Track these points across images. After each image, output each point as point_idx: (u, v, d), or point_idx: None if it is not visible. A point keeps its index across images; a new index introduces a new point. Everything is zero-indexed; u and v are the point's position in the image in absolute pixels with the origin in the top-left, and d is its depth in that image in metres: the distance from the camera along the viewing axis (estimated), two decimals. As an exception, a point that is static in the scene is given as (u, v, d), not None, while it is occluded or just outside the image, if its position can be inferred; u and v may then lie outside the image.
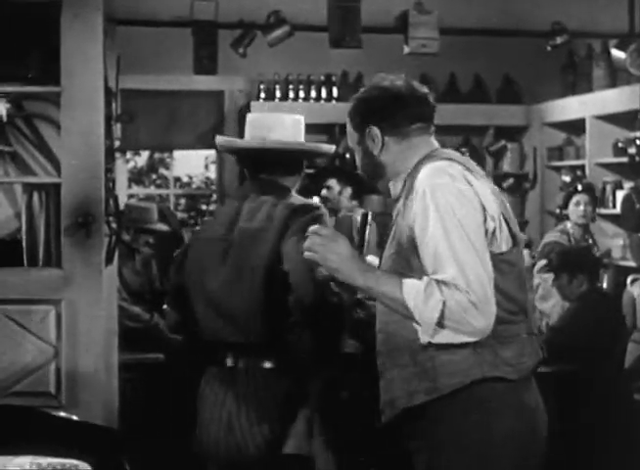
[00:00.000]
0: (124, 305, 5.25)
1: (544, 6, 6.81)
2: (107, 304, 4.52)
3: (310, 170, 6.57)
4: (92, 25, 4.31)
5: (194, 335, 3.52)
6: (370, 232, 2.74)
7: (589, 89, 7.57)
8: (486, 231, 2.57)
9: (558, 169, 8.04)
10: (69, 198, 4.30)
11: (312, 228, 2.64)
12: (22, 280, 4.32)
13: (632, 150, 6.87)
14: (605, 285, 6.31)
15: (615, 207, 7.09)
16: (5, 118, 4.44)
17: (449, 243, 2.51)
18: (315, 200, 6.05)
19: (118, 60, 5.26)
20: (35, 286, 4.31)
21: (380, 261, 2.78)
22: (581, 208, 6.35)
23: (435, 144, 2.78)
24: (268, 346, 3.32)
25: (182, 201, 12.14)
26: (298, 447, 3.29)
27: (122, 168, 7.96)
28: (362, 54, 6.60)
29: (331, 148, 3.59)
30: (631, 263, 6.65)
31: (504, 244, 2.61)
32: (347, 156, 7.51)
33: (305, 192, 3.68)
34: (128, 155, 10.14)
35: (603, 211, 7.01)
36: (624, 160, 7.02)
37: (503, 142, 8.20)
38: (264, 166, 3.46)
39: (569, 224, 6.39)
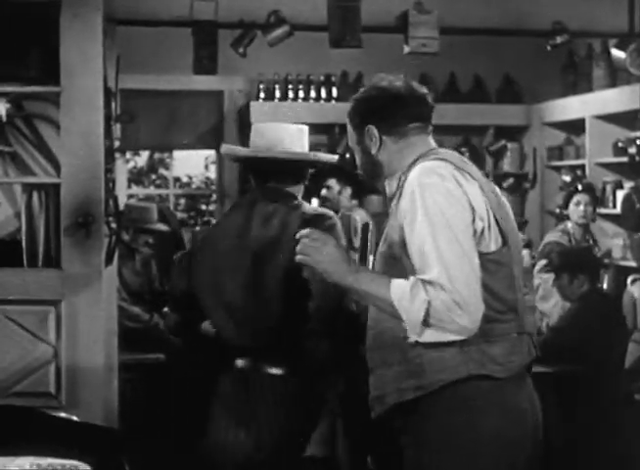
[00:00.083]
0: (124, 305, 5.25)
1: (544, 6, 6.80)
2: (106, 304, 4.52)
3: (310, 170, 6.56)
4: (92, 25, 4.31)
5: (196, 337, 3.53)
6: (371, 237, 2.77)
7: (589, 89, 7.56)
8: (475, 231, 2.59)
9: (558, 169, 8.03)
10: (69, 198, 4.30)
11: (302, 232, 2.69)
12: (21, 280, 4.32)
13: (632, 150, 6.87)
14: (605, 285, 6.31)
15: (615, 207, 7.08)
16: (5, 119, 4.44)
17: (435, 243, 2.54)
18: (314, 202, 6.06)
19: (118, 60, 5.25)
20: (35, 286, 4.31)
21: (374, 260, 2.80)
22: (582, 208, 6.35)
23: (432, 143, 2.81)
24: (284, 351, 3.36)
25: (182, 201, 12.13)
26: (320, 450, 3.31)
27: (122, 169, 7.96)
28: (362, 54, 6.60)
29: (334, 158, 3.68)
30: (632, 263, 6.64)
31: (493, 244, 2.63)
32: (347, 156, 7.50)
33: (305, 192, 3.70)
34: (128, 155, 10.14)
35: (603, 210, 7.00)
36: (624, 159, 7.02)
37: (503, 142, 8.20)
38: (271, 175, 3.52)
39: (569, 224, 6.38)
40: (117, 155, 5.79)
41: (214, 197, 10.07)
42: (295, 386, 3.35)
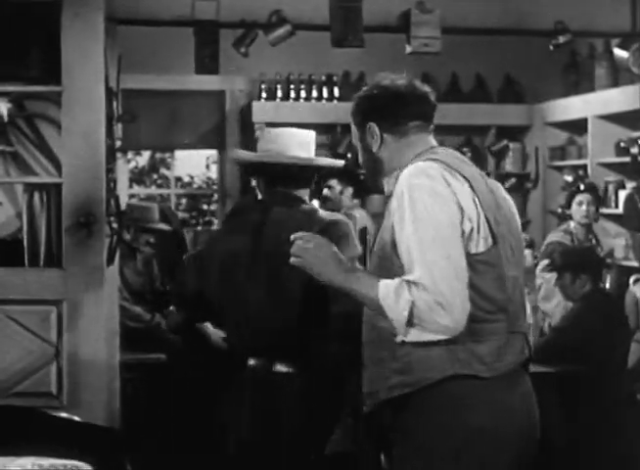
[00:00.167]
0: (126, 304, 5.25)
1: (546, 5, 6.79)
2: (108, 304, 4.51)
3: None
4: (93, 25, 4.31)
5: (196, 336, 3.55)
6: (370, 239, 2.79)
7: (591, 89, 7.56)
8: (463, 232, 2.60)
9: (560, 169, 8.02)
10: (71, 198, 4.30)
11: (296, 235, 2.73)
12: (23, 280, 4.32)
13: (635, 149, 6.86)
14: (608, 285, 6.30)
15: (617, 206, 7.08)
16: (6, 118, 4.44)
17: (420, 243, 2.56)
18: (315, 202, 6.06)
19: (119, 59, 5.25)
20: (36, 286, 4.31)
21: (369, 260, 2.83)
22: (584, 207, 6.34)
23: (432, 142, 2.83)
24: (300, 352, 3.41)
25: (183, 201, 12.14)
26: (341, 446, 3.32)
27: (124, 168, 7.95)
28: (364, 53, 6.59)
29: (340, 163, 3.76)
30: (634, 263, 6.64)
31: (482, 244, 2.64)
32: (349, 155, 7.50)
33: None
34: (129, 155, 10.15)
35: (605, 210, 7.00)
36: (627, 159, 7.01)
37: (505, 142, 8.19)
38: (279, 179, 3.58)
39: (572, 224, 6.37)
40: (119, 154, 5.78)
41: (216, 197, 10.07)
42: (310, 385, 3.40)
